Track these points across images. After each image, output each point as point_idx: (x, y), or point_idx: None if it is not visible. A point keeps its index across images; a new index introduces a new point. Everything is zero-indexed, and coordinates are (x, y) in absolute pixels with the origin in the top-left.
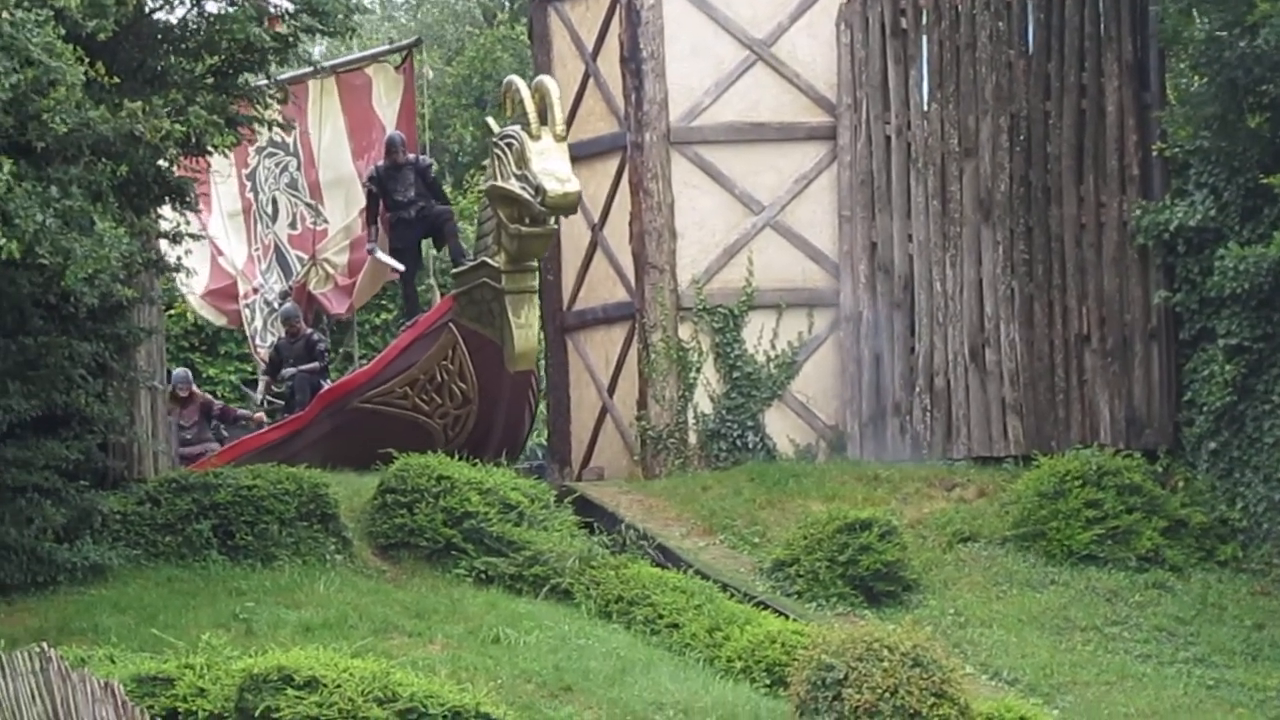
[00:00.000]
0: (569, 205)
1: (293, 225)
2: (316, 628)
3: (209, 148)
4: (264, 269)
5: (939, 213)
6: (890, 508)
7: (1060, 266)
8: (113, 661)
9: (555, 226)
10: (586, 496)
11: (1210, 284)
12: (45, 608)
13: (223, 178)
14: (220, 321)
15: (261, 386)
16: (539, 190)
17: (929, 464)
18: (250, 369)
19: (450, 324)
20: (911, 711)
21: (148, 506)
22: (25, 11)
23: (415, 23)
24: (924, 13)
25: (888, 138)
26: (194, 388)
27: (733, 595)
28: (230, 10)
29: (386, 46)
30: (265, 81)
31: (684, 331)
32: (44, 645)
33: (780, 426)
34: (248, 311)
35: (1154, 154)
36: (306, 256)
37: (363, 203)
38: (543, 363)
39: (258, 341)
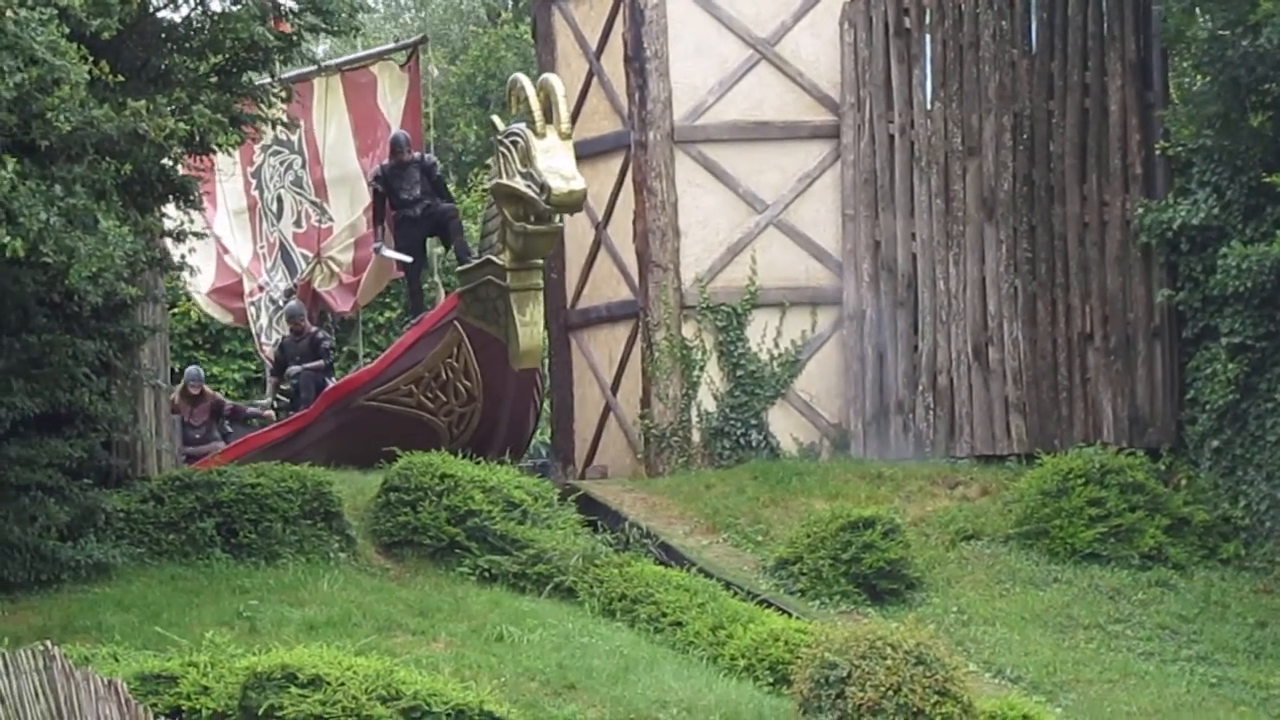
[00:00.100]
0: (574, 203)
1: (298, 223)
2: (320, 626)
3: (213, 146)
4: (269, 267)
5: (942, 211)
6: (893, 506)
7: (1063, 265)
8: (116, 660)
9: (560, 224)
10: (590, 495)
11: (1213, 282)
12: (49, 606)
13: (227, 175)
14: (226, 319)
15: (270, 387)
16: (544, 188)
17: (932, 462)
18: (254, 367)
19: (455, 322)
20: (914, 709)
21: (151, 505)
22: (29, 10)
23: (419, 21)
24: (927, 12)
25: (891, 136)
26: (205, 386)
27: (736, 593)
28: (234, 9)
29: (391, 45)
30: (270, 80)
31: (688, 330)
32: (48, 643)
33: (784, 425)
34: (253, 309)
35: (1157, 153)
36: (311, 254)
37: (367, 200)
38: (547, 361)
39: (263, 339)
